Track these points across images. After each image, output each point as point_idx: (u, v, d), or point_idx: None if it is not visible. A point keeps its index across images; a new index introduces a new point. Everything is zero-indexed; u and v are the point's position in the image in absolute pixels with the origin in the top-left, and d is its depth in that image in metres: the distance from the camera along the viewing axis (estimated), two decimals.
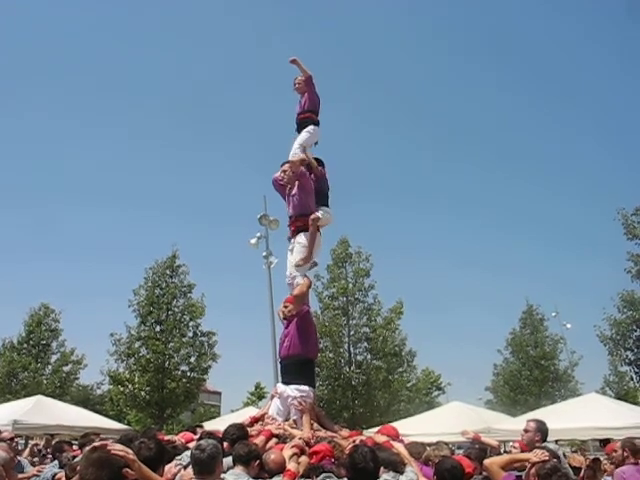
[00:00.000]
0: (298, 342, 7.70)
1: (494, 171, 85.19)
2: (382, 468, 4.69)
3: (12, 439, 9.20)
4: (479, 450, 6.34)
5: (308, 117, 9.16)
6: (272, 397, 7.83)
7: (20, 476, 6.39)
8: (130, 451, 3.08)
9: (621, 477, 6.70)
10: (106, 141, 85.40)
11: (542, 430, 6.45)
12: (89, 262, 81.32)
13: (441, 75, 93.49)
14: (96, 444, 3.09)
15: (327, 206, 8.79)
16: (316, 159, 8.93)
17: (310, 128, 9.04)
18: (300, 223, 8.41)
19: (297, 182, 8.43)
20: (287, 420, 7.20)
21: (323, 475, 4.68)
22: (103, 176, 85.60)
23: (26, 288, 68.41)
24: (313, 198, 8.55)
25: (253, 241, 19.69)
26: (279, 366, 8.37)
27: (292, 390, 7.44)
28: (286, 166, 8.62)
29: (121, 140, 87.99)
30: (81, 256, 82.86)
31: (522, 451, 6.68)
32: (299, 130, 9.16)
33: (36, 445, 12.81)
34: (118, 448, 3.03)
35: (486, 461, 5.10)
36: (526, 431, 6.46)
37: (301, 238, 8.29)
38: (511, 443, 9.64)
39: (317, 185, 8.67)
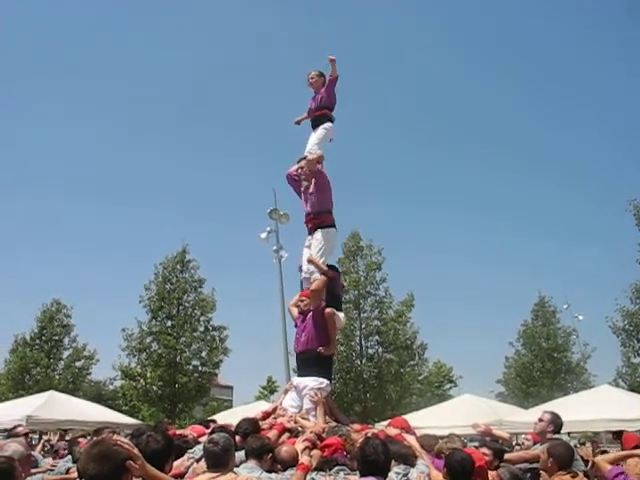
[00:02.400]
0: (315, 336, 7.73)
1: (504, 166, 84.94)
2: (393, 461, 4.69)
3: (26, 434, 9.27)
4: (494, 442, 6.36)
5: (324, 113, 8.99)
6: (286, 391, 7.83)
7: (34, 471, 6.44)
8: (135, 448, 3.07)
9: None
10: (115, 137, 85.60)
11: (556, 422, 6.44)
12: (100, 258, 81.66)
13: (451, 73, 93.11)
14: (97, 438, 3.09)
15: (340, 310, 8.50)
16: (330, 266, 8.52)
17: (327, 125, 8.92)
18: (317, 221, 8.38)
19: (314, 179, 8.40)
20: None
21: (337, 468, 4.69)
22: (113, 172, 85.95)
23: (37, 284, 69.07)
24: (330, 195, 8.54)
25: (263, 235, 19.73)
26: (295, 360, 8.38)
27: (309, 381, 7.46)
28: (303, 162, 8.57)
29: (130, 136, 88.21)
30: (92, 252, 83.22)
31: (534, 442, 6.67)
32: (314, 126, 9.05)
33: (48, 441, 12.89)
34: (124, 441, 3.03)
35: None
36: (540, 420, 6.47)
37: (319, 235, 8.27)
38: (524, 435, 9.61)
39: (331, 289, 8.28)
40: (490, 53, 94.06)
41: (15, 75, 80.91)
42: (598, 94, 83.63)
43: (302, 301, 8.01)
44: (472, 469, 4.56)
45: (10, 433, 9.04)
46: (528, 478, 5.76)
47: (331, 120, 9.01)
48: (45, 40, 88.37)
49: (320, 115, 8.98)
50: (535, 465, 5.75)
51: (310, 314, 7.84)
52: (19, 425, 10.26)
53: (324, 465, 4.82)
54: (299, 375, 7.94)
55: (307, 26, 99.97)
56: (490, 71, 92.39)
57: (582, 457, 7.16)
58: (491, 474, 5.32)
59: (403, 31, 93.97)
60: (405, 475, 4.71)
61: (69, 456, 7.15)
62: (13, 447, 4.22)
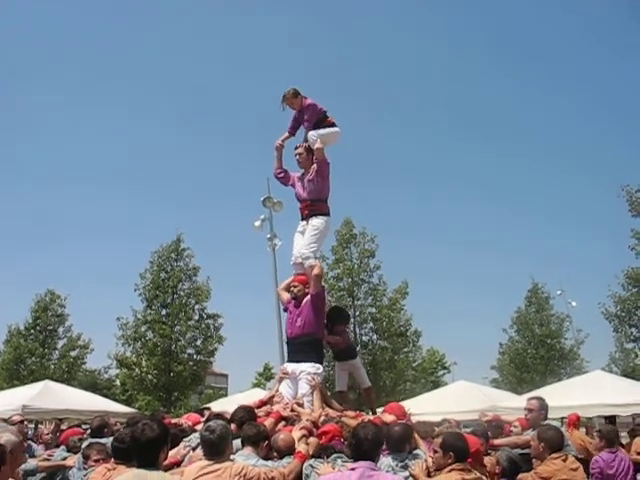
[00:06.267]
0: (314, 321, 7.73)
1: (497, 149, 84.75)
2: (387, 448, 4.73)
3: (22, 422, 9.31)
4: (484, 428, 6.40)
5: (330, 122, 8.67)
6: (281, 379, 7.77)
7: (40, 463, 6.49)
8: None
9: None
10: (111, 126, 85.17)
11: (545, 407, 6.51)
12: (94, 246, 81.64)
13: (443, 56, 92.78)
14: None
15: (356, 355, 9.43)
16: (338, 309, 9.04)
17: (335, 129, 8.66)
18: (314, 207, 8.37)
19: (316, 167, 8.36)
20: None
21: (334, 455, 4.69)
22: (107, 160, 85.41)
23: (32, 274, 68.83)
24: (329, 185, 8.53)
25: (257, 223, 19.74)
26: (287, 345, 8.38)
27: (306, 366, 7.45)
28: (300, 149, 8.53)
29: (127, 124, 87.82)
30: (86, 240, 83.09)
31: (523, 429, 6.73)
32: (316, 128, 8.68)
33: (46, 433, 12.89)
34: None
35: None
36: (530, 410, 6.49)
37: (317, 221, 8.27)
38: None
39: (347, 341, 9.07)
40: (495, 47, 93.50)
41: (15, 66, 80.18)
42: (594, 80, 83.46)
43: (295, 287, 8.00)
44: (467, 451, 4.61)
45: (8, 422, 9.10)
46: None
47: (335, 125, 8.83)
48: (45, 32, 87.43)
49: (327, 123, 8.66)
50: (527, 451, 5.80)
51: (307, 299, 7.82)
52: (15, 415, 10.33)
53: (322, 452, 4.83)
54: (292, 360, 7.89)
55: (309, 18, 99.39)
56: (484, 55, 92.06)
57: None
58: (486, 459, 5.38)
59: (398, 17, 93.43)
60: (402, 461, 4.74)
61: (63, 445, 7.18)
62: (5, 437, 4.25)
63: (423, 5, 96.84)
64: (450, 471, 4.38)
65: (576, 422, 9.62)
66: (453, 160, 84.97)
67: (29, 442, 9.02)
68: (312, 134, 8.50)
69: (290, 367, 7.70)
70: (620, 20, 72.38)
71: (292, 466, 4.59)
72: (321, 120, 8.63)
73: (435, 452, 4.68)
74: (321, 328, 7.99)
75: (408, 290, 26.38)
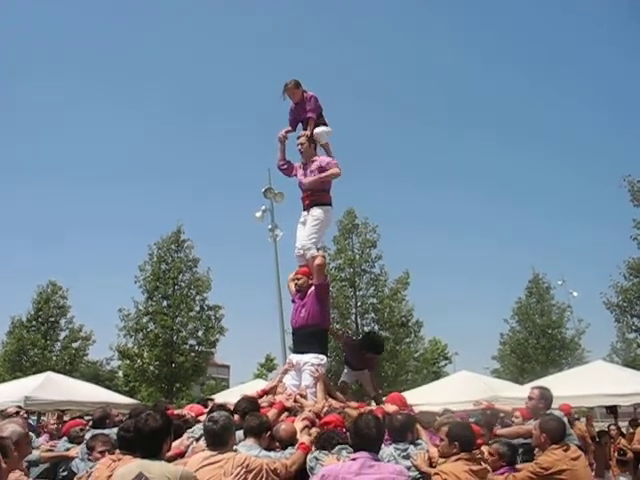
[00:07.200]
0: (318, 312, 7.72)
1: (498, 141, 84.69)
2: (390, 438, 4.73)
3: (17, 413, 9.30)
4: (489, 417, 6.40)
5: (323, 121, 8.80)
6: (285, 371, 7.77)
7: (43, 454, 6.51)
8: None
9: None
10: (111, 118, 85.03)
11: (546, 397, 6.46)
12: (96, 239, 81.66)
13: (446, 52, 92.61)
14: None
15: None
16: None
17: (330, 129, 8.74)
18: (315, 198, 8.33)
19: (318, 158, 8.37)
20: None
21: (339, 447, 4.67)
22: (108, 153, 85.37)
23: (33, 266, 69.04)
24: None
25: (258, 214, 19.69)
26: (292, 336, 8.39)
27: (309, 357, 7.47)
28: (302, 139, 8.49)
29: (126, 117, 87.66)
30: (88, 233, 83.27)
31: (524, 419, 6.74)
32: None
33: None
34: None
35: None
36: (530, 399, 6.48)
37: (316, 212, 8.24)
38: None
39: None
40: (485, 31, 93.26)
41: (15, 66, 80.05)
42: (594, 75, 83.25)
43: (299, 279, 7.99)
44: (473, 440, 4.64)
45: (3, 414, 9.11)
46: (520, 453, 5.81)
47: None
48: (46, 27, 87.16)
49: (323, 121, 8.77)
50: (528, 440, 5.81)
51: (312, 290, 7.80)
52: (11, 406, 10.35)
53: (326, 443, 4.77)
54: (296, 351, 7.94)
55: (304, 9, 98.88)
56: (488, 49, 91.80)
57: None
58: (485, 449, 5.39)
59: (399, 16, 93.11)
60: (404, 451, 4.74)
61: (65, 437, 7.20)
62: (11, 428, 4.25)
63: (424, 5, 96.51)
64: (457, 460, 4.41)
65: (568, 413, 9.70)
66: (454, 152, 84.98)
67: (29, 433, 9.04)
68: (323, 129, 8.56)
69: (295, 358, 7.73)
70: (620, 20, 72.39)
71: (295, 457, 4.58)
72: (319, 115, 8.71)
73: (441, 440, 4.70)
74: (325, 319, 7.98)
75: (409, 280, 26.36)
